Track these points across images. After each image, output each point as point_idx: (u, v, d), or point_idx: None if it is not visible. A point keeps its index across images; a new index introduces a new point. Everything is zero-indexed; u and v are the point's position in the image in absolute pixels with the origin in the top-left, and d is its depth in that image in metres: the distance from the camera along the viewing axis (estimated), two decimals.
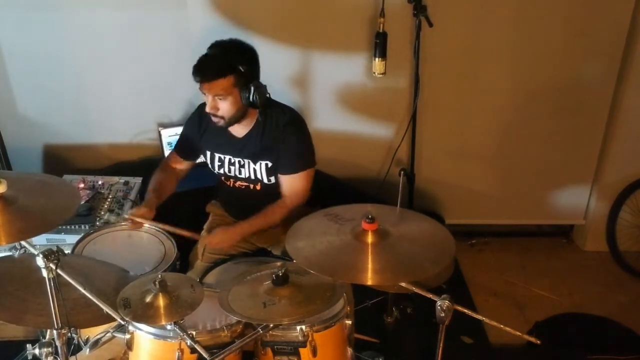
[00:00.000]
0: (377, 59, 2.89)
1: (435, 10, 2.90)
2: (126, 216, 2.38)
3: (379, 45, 2.87)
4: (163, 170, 2.53)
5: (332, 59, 3.09)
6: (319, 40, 3.07)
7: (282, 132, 2.32)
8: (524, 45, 3.08)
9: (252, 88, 2.21)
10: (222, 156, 2.43)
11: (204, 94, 2.24)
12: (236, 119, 2.28)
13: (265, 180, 2.39)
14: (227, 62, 2.19)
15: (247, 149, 2.37)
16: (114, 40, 3.06)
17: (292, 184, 2.37)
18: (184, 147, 2.55)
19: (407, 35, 3.01)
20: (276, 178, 2.38)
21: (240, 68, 2.19)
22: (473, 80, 3.17)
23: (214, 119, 2.28)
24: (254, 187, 2.43)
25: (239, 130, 2.37)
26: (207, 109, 2.26)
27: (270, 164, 2.36)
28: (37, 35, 3.03)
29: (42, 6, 2.97)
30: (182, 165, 2.57)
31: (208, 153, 2.46)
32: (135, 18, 3.01)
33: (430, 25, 2.88)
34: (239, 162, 2.40)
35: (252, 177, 2.40)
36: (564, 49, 3.10)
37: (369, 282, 1.74)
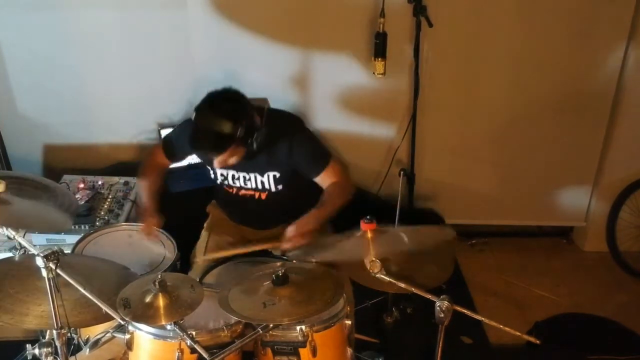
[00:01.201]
0: (377, 59, 2.90)
1: (435, 11, 2.90)
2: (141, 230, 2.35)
3: (379, 46, 2.88)
4: (150, 170, 2.49)
5: (332, 59, 3.09)
6: (319, 41, 3.07)
7: (288, 143, 2.29)
8: (524, 45, 3.08)
9: (254, 142, 2.18)
10: (224, 172, 2.41)
11: None
12: (246, 158, 2.27)
13: (273, 189, 2.38)
14: (222, 138, 2.11)
15: (253, 164, 2.33)
16: (114, 40, 3.06)
17: (327, 178, 2.33)
18: (173, 151, 2.50)
19: (407, 35, 3.01)
20: (284, 185, 2.37)
21: (237, 135, 2.11)
22: (473, 81, 3.18)
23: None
24: (259, 195, 2.41)
25: None
26: (216, 166, 2.26)
27: (278, 175, 2.34)
28: (37, 35, 3.03)
29: (42, 6, 2.97)
30: (166, 162, 2.54)
31: (209, 168, 2.43)
32: (135, 18, 3.01)
33: (430, 25, 2.88)
34: (244, 176, 2.38)
35: (260, 187, 2.39)
36: (565, 50, 3.10)
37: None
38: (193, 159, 3.04)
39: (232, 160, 2.22)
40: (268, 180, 2.36)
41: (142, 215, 2.36)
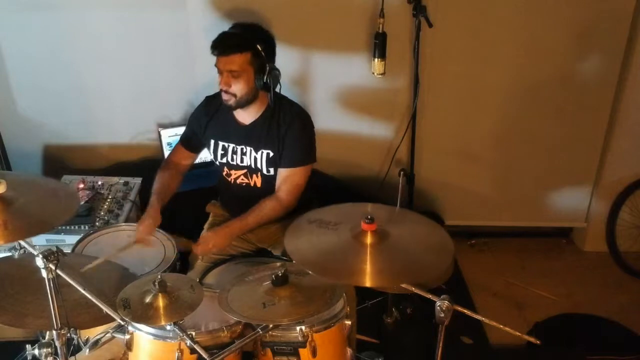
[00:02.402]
0: (376, 60, 2.90)
1: (434, 11, 2.90)
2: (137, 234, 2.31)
3: (379, 46, 2.88)
4: (167, 169, 2.52)
5: (331, 59, 3.09)
6: (319, 41, 3.07)
7: (289, 123, 2.34)
8: (524, 45, 3.08)
9: (268, 69, 2.24)
10: (225, 144, 2.43)
11: (219, 70, 2.27)
12: (246, 100, 2.29)
13: (265, 171, 2.39)
14: (246, 40, 2.24)
15: (251, 136, 2.37)
16: (114, 41, 3.06)
17: (290, 177, 2.36)
18: (190, 139, 2.55)
19: (407, 35, 3.01)
20: (275, 170, 2.39)
21: (258, 47, 2.23)
22: (473, 81, 3.18)
23: (225, 97, 2.29)
24: (254, 182, 2.43)
25: (245, 117, 2.38)
26: (220, 85, 2.27)
27: (271, 154, 2.36)
28: (37, 35, 3.03)
29: (42, 6, 2.97)
30: (186, 159, 2.57)
31: (212, 142, 2.46)
32: (135, 18, 3.01)
33: (430, 25, 2.88)
34: (242, 149, 2.40)
35: (252, 166, 2.40)
36: (565, 50, 3.10)
37: (368, 284, 1.74)
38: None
39: (237, 84, 2.23)
40: (261, 158, 2.37)
41: (145, 214, 2.34)
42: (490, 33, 3.06)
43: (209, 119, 2.46)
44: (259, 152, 2.37)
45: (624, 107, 3.19)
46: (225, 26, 2.96)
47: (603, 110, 3.25)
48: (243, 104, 2.30)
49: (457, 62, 3.13)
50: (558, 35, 3.06)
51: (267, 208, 2.35)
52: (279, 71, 2.29)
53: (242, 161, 2.42)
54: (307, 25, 3.04)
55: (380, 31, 2.86)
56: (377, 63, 2.90)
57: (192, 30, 3.02)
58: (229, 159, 2.44)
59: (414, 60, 3.01)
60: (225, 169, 2.48)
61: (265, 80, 2.25)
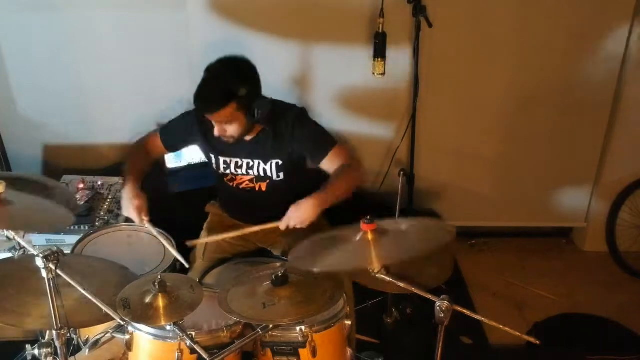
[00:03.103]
0: (376, 60, 2.90)
1: (434, 11, 2.90)
2: (125, 219, 2.30)
3: (378, 46, 2.88)
4: (139, 152, 2.47)
5: (331, 59, 3.09)
6: (319, 41, 3.07)
7: (292, 131, 2.31)
8: (524, 45, 3.08)
9: (256, 109, 2.19)
10: (227, 160, 2.41)
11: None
12: (245, 134, 2.28)
13: (275, 177, 2.38)
14: (226, 91, 2.15)
15: (256, 151, 2.35)
16: (113, 41, 3.06)
17: (334, 161, 2.30)
18: (172, 138, 2.49)
19: (407, 35, 3.01)
20: (285, 174, 2.37)
21: (239, 93, 2.15)
22: (473, 81, 3.17)
23: (224, 140, 2.27)
24: (259, 187, 2.42)
25: (247, 135, 2.36)
26: (216, 133, 2.24)
27: (281, 162, 2.35)
28: (37, 35, 3.03)
29: (42, 6, 2.97)
30: (158, 151, 2.51)
31: (212, 156, 2.43)
32: (134, 18, 3.01)
33: (430, 25, 2.88)
34: (248, 163, 2.38)
35: (262, 175, 2.38)
36: (564, 50, 3.10)
37: (375, 266, 1.75)
38: (192, 158, 3.05)
39: (232, 129, 2.21)
40: (271, 168, 2.36)
41: (128, 199, 2.25)
42: (490, 33, 3.06)
43: (203, 134, 2.39)
44: (269, 164, 2.35)
45: (624, 107, 3.19)
46: (225, 26, 2.98)
47: (603, 110, 3.25)
48: (244, 136, 2.29)
49: (457, 62, 3.13)
50: (558, 35, 3.06)
51: (346, 174, 2.25)
52: (267, 100, 2.24)
53: (248, 173, 2.40)
54: (307, 25, 3.04)
55: (380, 31, 2.86)
56: (377, 63, 2.90)
57: (192, 30, 3.02)
58: (233, 171, 2.42)
59: (414, 60, 3.01)
60: (229, 177, 2.45)
61: (257, 117, 2.20)
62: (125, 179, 2.31)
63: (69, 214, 1.81)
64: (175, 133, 2.49)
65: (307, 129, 2.34)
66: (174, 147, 2.54)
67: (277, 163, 2.35)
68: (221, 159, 2.41)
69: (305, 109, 2.43)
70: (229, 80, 2.17)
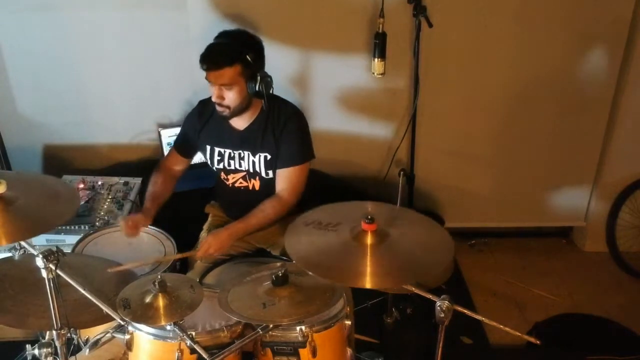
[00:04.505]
0: (376, 60, 2.90)
1: (434, 11, 2.90)
2: (120, 219, 2.31)
3: (378, 46, 2.88)
4: (160, 173, 2.52)
5: (331, 59, 3.09)
6: (319, 41, 3.07)
7: (283, 124, 2.34)
8: (524, 45, 3.08)
9: (259, 78, 2.23)
10: (222, 150, 2.43)
11: (210, 83, 2.25)
12: (241, 109, 2.29)
13: (264, 174, 2.39)
14: (235, 51, 2.21)
15: (248, 141, 2.37)
16: (113, 41, 3.06)
17: (289, 177, 2.36)
18: (183, 144, 2.54)
19: (407, 35, 3.01)
20: (274, 172, 2.39)
21: (248, 57, 2.20)
22: (473, 81, 3.17)
23: (219, 109, 2.29)
24: (253, 185, 2.43)
25: (240, 123, 2.38)
26: (213, 98, 2.26)
27: (269, 157, 2.36)
28: (37, 35, 3.03)
29: (42, 6, 2.97)
30: (180, 165, 2.56)
31: (208, 148, 2.45)
32: (135, 18, 3.01)
33: (430, 25, 2.88)
34: (239, 154, 2.40)
35: (251, 170, 2.40)
36: (564, 50, 3.10)
37: (368, 286, 1.73)
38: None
39: (230, 95, 2.23)
40: (259, 161, 2.37)
41: (139, 213, 2.34)
42: (490, 33, 3.06)
43: (202, 125, 2.45)
44: (257, 156, 2.37)
45: (624, 107, 3.19)
46: (225, 26, 2.97)
47: (603, 110, 3.25)
48: (237, 113, 2.30)
49: (457, 62, 3.13)
50: (558, 36, 3.06)
51: (268, 209, 2.34)
52: (270, 77, 2.28)
53: (240, 165, 2.42)
54: (307, 25, 3.04)
55: (380, 31, 2.86)
56: (377, 63, 2.90)
57: (192, 30, 3.02)
58: (226, 164, 2.44)
59: (414, 60, 3.01)
60: (223, 173, 2.48)
61: (257, 89, 2.24)
62: (143, 208, 2.38)
63: (71, 209, 1.81)
64: (185, 138, 2.53)
65: (296, 130, 2.36)
66: (189, 153, 2.56)
67: (265, 157, 2.36)
68: (216, 150, 2.43)
69: (302, 113, 2.44)
70: (238, 43, 2.25)
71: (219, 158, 2.44)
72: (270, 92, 2.30)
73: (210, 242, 2.26)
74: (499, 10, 3.01)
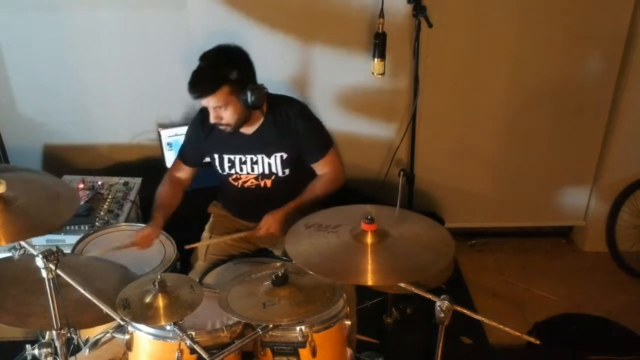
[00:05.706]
0: (376, 60, 2.90)
1: (434, 11, 2.90)
2: (132, 237, 2.31)
3: (378, 46, 2.87)
4: (167, 184, 2.49)
5: (331, 59, 3.09)
6: (319, 41, 3.07)
7: (294, 124, 2.34)
8: (524, 46, 3.08)
9: (249, 92, 2.21)
10: (231, 157, 2.41)
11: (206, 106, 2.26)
12: (242, 122, 2.29)
13: (280, 173, 2.39)
14: (218, 75, 2.19)
15: (259, 144, 2.36)
16: (113, 41, 3.06)
17: (327, 164, 2.41)
18: (188, 153, 2.51)
19: (407, 35, 3.01)
20: (291, 169, 2.38)
21: (232, 77, 2.18)
22: (473, 81, 3.18)
23: (221, 127, 2.29)
24: (264, 183, 2.42)
25: (247, 128, 2.36)
26: (212, 120, 2.26)
27: (285, 156, 2.36)
28: (37, 35, 3.03)
29: (42, 6, 2.97)
30: (186, 174, 2.53)
31: (216, 156, 2.43)
32: (135, 18, 3.01)
33: (430, 25, 2.88)
34: (251, 159, 2.39)
35: (267, 171, 2.39)
36: (564, 50, 3.10)
37: (369, 283, 1.74)
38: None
39: (227, 114, 2.23)
40: (275, 162, 2.37)
41: (148, 226, 2.33)
42: (490, 33, 3.06)
43: (207, 133, 2.41)
44: (272, 157, 2.36)
45: (623, 108, 3.19)
46: (225, 26, 2.98)
47: (602, 110, 3.25)
48: (240, 126, 2.30)
49: (457, 62, 3.13)
50: (557, 36, 3.06)
51: (322, 181, 2.39)
52: (261, 87, 2.26)
53: (252, 170, 2.40)
54: (308, 25, 3.04)
55: (380, 31, 2.86)
56: (377, 63, 2.90)
57: (192, 30, 3.02)
58: (237, 170, 2.42)
59: (414, 60, 3.01)
60: (234, 177, 2.45)
61: (251, 101, 2.22)
62: (152, 217, 2.37)
63: (70, 209, 1.81)
64: (189, 148, 2.51)
65: (311, 124, 2.37)
66: (195, 162, 2.53)
67: (281, 157, 2.36)
68: (225, 157, 2.41)
69: (303, 102, 2.45)
70: (220, 64, 2.22)
71: (230, 164, 2.42)
72: (266, 97, 2.28)
73: (270, 223, 2.29)
74: (499, 10, 3.01)
